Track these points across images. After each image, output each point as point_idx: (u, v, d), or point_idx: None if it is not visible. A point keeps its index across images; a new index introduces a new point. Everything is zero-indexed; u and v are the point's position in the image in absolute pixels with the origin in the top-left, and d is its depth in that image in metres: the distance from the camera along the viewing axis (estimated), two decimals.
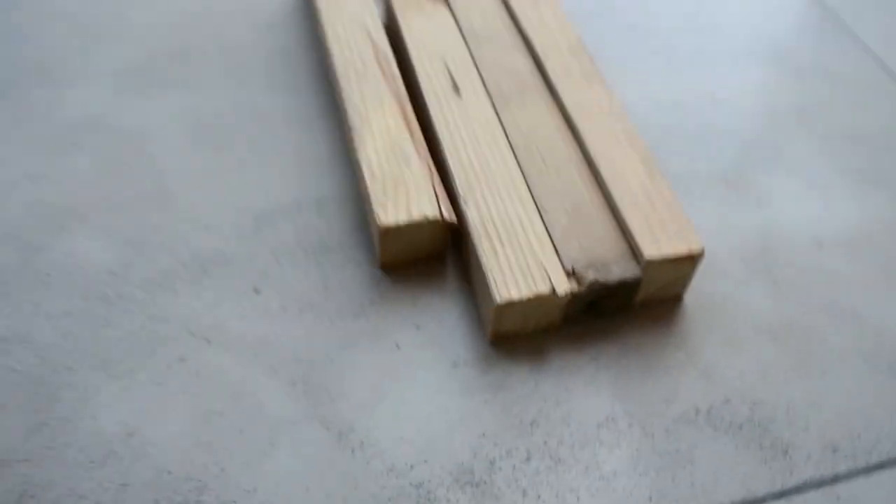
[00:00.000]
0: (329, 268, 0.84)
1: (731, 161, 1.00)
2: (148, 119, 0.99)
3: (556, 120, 0.93)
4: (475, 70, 0.98)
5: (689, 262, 0.80)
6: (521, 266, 0.77)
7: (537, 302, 0.75)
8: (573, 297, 0.77)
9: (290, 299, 0.81)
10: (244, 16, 1.17)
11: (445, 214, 0.80)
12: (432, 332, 0.80)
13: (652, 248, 0.78)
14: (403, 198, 0.81)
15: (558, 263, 0.78)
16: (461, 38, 1.03)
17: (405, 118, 0.90)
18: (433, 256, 0.86)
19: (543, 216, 0.82)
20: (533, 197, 0.84)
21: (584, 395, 0.76)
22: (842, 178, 0.99)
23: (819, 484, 0.71)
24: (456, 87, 0.95)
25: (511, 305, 0.74)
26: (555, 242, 0.80)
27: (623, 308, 0.82)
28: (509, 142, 0.90)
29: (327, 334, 0.78)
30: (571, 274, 0.77)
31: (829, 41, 1.21)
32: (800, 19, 1.25)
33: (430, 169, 0.85)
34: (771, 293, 0.86)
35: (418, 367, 0.77)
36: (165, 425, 0.71)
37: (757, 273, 0.88)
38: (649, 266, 0.78)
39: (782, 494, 0.70)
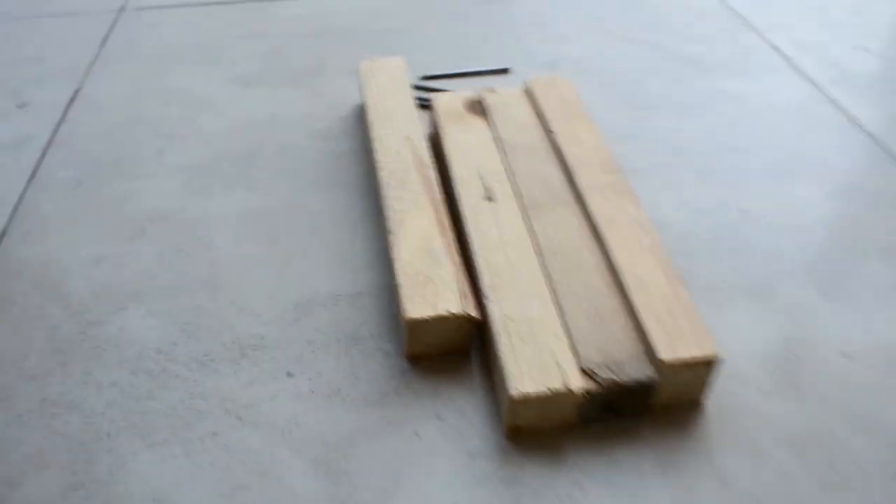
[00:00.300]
0: (359, 357, 0.89)
1: (759, 272, 1.03)
2: (209, 213, 1.08)
3: (583, 228, 0.98)
4: (509, 179, 1.05)
5: (705, 367, 0.82)
6: (538, 363, 0.80)
7: (552, 398, 0.78)
8: (588, 396, 0.79)
9: (321, 384, 0.86)
10: (304, 124, 1.28)
11: (469, 310, 0.85)
12: (452, 423, 0.83)
13: (667, 351, 0.81)
14: (431, 294, 0.87)
15: (574, 362, 0.81)
16: (498, 149, 1.11)
17: (439, 221, 0.97)
18: (458, 351, 0.90)
19: (564, 317, 0.86)
20: (555, 298, 0.88)
21: (596, 495, 0.77)
22: (872, 291, 1.00)
23: None
24: (489, 195, 1.02)
25: (526, 400, 0.77)
26: (573, 342, 0.83)
27: (641, 410, 0.84)
28: (536, 247, 0.95)
29: (352, 419, 0.82)
30: (587, 372, 0.80)
31: (866, 161, 1.24)
32: (836, 139, 1.30)
33: (458, 269, 0.90)
34: (794, 403, 0.86)
35: (436, 456, 0.79)
36: (192, 496, 0.75)
37: (781, 382, 0.89)
38: (664, 368, 0.80)
39: None
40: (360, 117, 1.30)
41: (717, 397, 0.86)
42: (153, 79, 1.41)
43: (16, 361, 0.87)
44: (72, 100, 1.33)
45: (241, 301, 0.95)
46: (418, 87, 1.41)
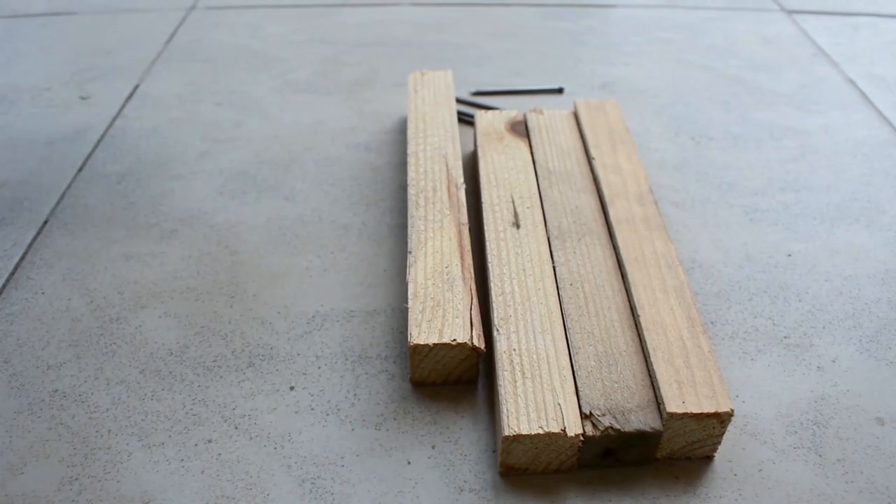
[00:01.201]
0: (363, 376, 0.88)
1: (795, 322, 0.97)
2: (239, 219, 1.10)
3: (607, 263, 0.95)
4: (540, 206, 1.03)
5: (715, 422, 0.77)
6: (538, 402, 0.77)
7: (547, 440, 0.75)
8: (587, 441, 0.76)
9: (320, 401, 0.85)
10: (348, 134, 1.28)
11: (474, 341, 0.83)
12: (446, 454, 0.81)
13: (675, 402, 0.77)
14: (439, 320, 0.85)
15: (576, 404, 0.78)
16: (533, 174, 1.08)
17: (460, 245, 0.95)
18: (464, 380, 0.88)
19: (573, 355, 0.83)
20: (567, 335, 0.85)
21: None
22: None
23: None
24: (516, 221, 0.99)
25: (519, 439, 0.75)
26: (578, 383, 0.80)
27: (644, 461, 0.80)
28: (556, 279, 0.92)
29: (346, 440, 0.82)
30: (587, 417, 0.77)
31: None
32: None
33: (471, 295, 0.88)
34: (813, 467, 0.81)
35: (424, 487, 0.78)
36: (178, 501, 0.75)
37: (801, 443, 0.83)
38: (671, 420, 0.76)
39: None
40: (404, 130, 1.30)
41: (729, 453, 0.82)
42: (210, 79, 1.44)
43: (35, 350, 0.90)
44: (130, 95, 1.38)
45: (257, 310, 0.96)
46: (467, 103, 1.39)
